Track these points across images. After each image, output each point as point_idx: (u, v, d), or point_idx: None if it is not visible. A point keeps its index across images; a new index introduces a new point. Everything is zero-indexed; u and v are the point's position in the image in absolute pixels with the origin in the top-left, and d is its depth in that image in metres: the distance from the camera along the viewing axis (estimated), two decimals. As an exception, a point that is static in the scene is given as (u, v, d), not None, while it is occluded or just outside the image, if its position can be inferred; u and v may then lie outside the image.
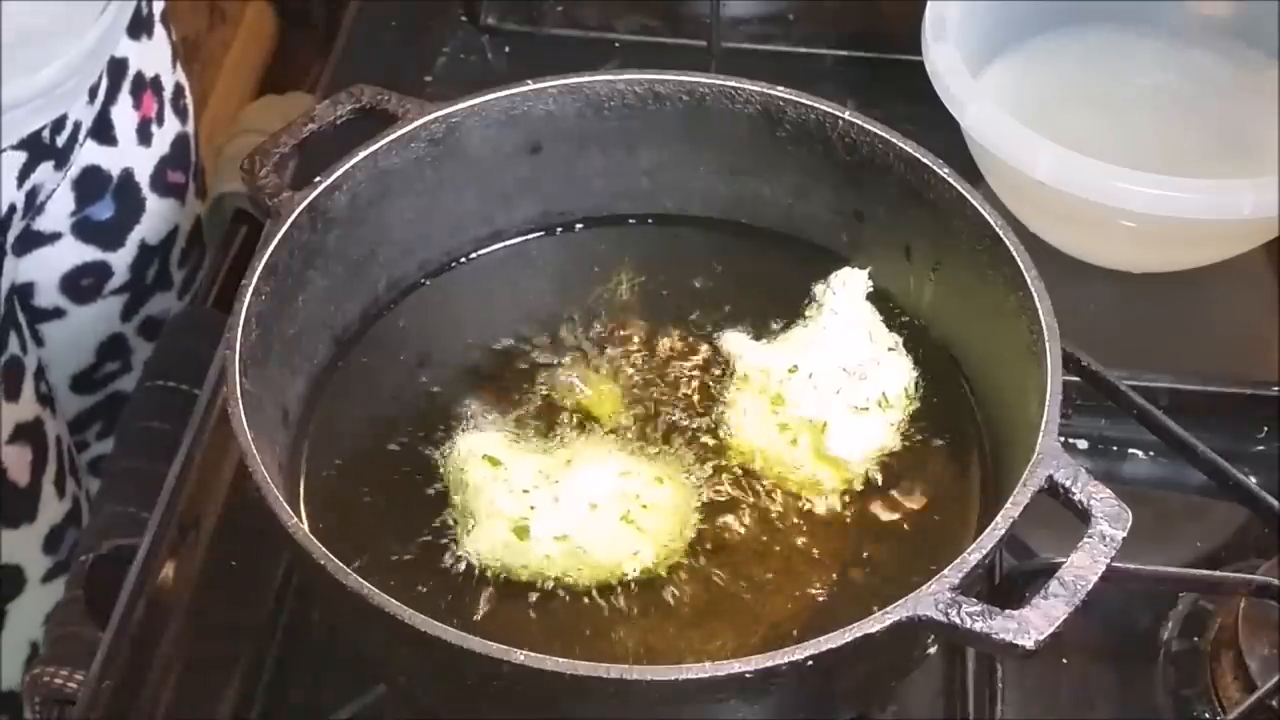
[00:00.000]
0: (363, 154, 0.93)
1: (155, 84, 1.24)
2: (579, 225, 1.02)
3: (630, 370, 0.95)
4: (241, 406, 0.81)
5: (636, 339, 0.97)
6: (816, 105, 0.95)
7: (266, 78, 2.21)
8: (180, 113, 1.29)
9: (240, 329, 0.84)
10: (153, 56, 1.23)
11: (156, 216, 1.27)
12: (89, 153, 1.18)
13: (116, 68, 1.18)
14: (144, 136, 1.23)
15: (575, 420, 0.92)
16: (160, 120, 1.25)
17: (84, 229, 1.22)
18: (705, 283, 1.00)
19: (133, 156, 1.23)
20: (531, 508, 0.85)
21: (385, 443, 0.92)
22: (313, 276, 0.92)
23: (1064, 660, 0.96)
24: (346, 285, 0.95)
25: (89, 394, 1.31)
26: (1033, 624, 0.73)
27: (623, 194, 1.02)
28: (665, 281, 1.00)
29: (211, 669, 0.96)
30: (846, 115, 0.95)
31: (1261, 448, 1.06)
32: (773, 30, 1.33)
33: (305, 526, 0.80)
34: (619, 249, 1.01)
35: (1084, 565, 0.75)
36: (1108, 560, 0.76)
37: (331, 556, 0.76)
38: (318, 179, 0.92)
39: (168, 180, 1.27)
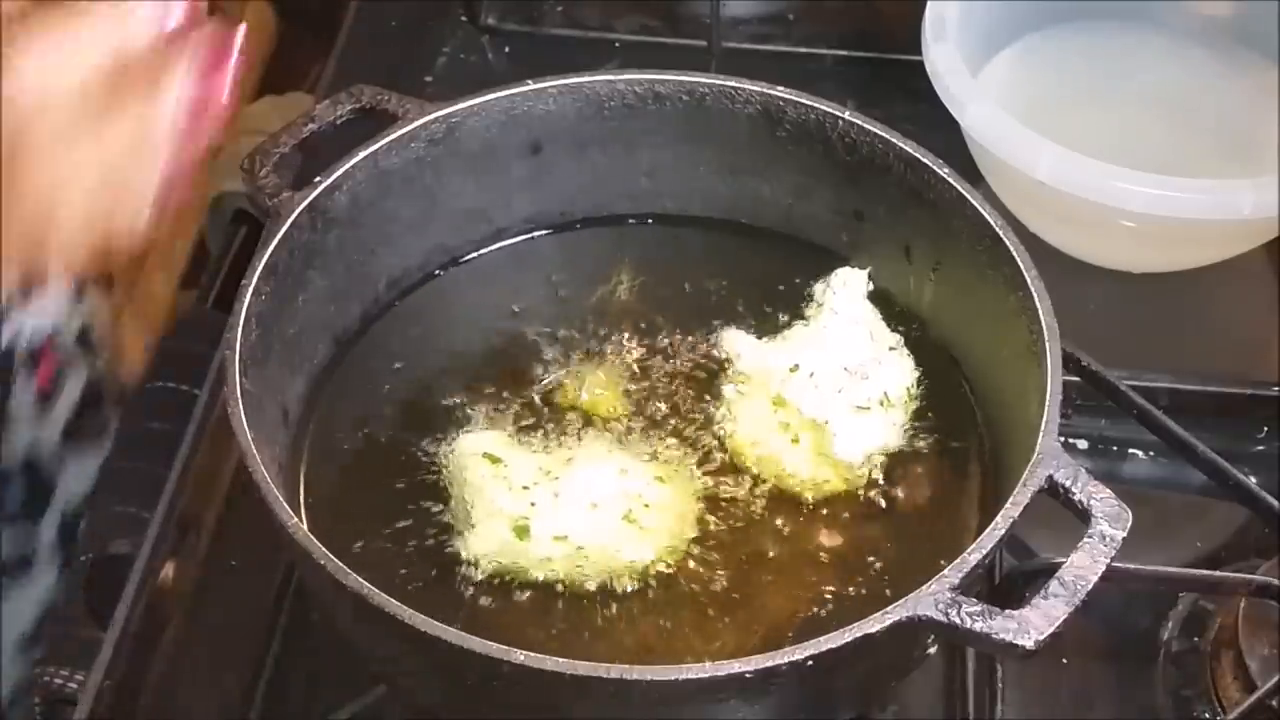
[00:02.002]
0: (363, 154, 0.93)
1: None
2: (579, 225, 1.02)
3: (630, 370, 0.95)
4: (241, 406, 0.81)
5: (636, 338, 0.97)
6: (816, 105, 0.96)
7: (266, 78, 2.21)
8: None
9: (240, 329, 0.84)
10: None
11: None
12: None
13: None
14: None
15: (575, 420, 0.92)
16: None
17: None
18: (705, 283, 1.00)
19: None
20: (532, 504, 0.85)
21: (385, 443, 0.92)
22: (313, 276, 0.92)
23: (1064, 660, 0.96)
24: (346, 285, 0.95)
25: None
26: (1033, 624, 0.73)
27: (623, 194, 1.02)
28: (665, 281, 1.00)
29: (211, 669, 0.96)
30: (846, 115, 0.95)
31: (1261, 448, 1.06)
32: (773, 30, 1.33)
33: (305, 526, 0.80)
34: (619, 249, 1.01)
35: (1084, 565, 0.75)
36: (1108, 560, 0.75)
37: (331, 556, 0.76)
38: (318, 179, 0.92)
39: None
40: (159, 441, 1.11)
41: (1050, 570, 0.76)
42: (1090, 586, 0.74)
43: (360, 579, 0.75)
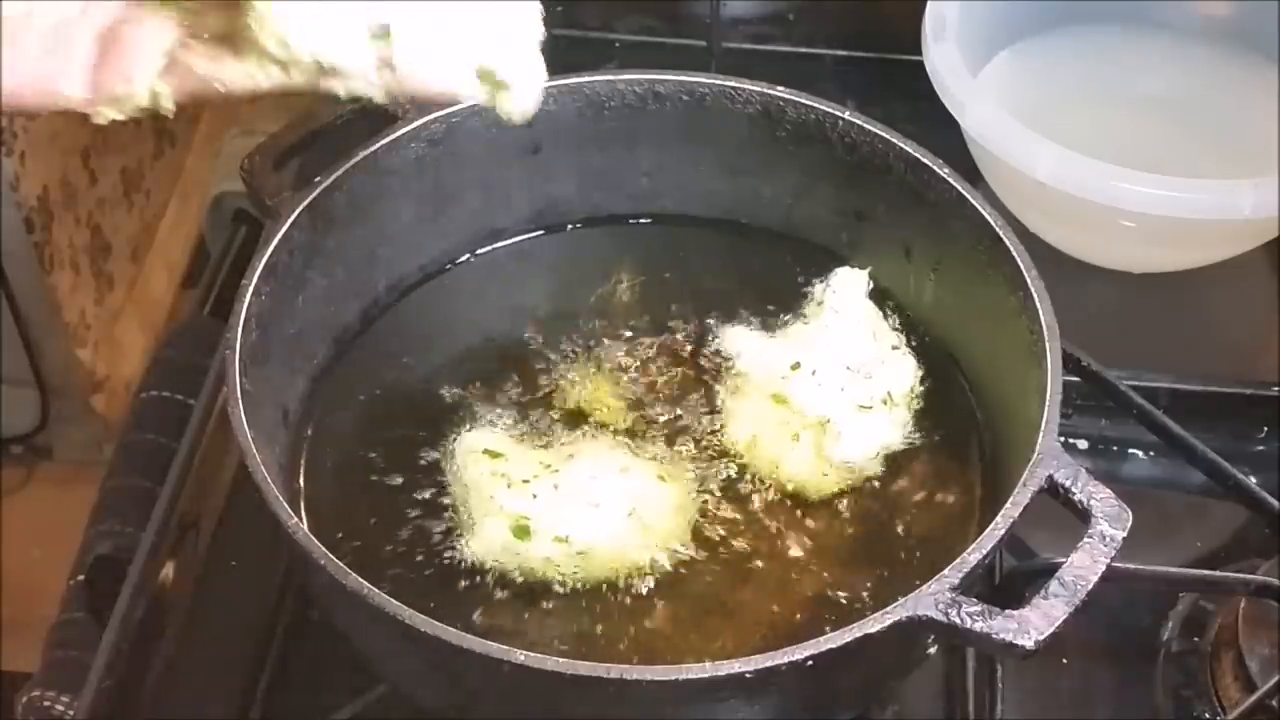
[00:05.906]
0: (363, 154, 0.93)
1: None
2: (579, 225, 1.02)
3: (630, 369, 0.95)
4: (241, 406, 0.81)
5: (636, 338, 0.97)
6: (816, 105, 0.96)
7: (266, 78, 2.20)
8: None
9: (240, 329, 0.84)
10: None
11: None
12: None
13: None
14: None
15: (575, 419, 0.92)
16: None
17: None
18: (705, 283, 1.00)
19: None
20: (534, 496, 0.85)
21: (385, 442, 0.92)
22: (313, 276, 0.92)
23: (1064, 660, 0.96)
24: (346, 285, 0.95)
25: None
26: (1033, 624, 0.73)
27: (623, 194, 1.02)
28: (665, 281, 1.00)
29: (211, 669, 0.96)
30: (846, 115, 0.95)
31: (1261, 448, 1.06)
32: (773, 30, 1.33)
33: (305, 526, 0.80)
34: (619, 249, 1.01)
35: (1084, 565, 0.75)
36: (1108, 560, 0.75)
37: (331, 557, 0.76)
38: (318, 179, 0.92)
39: None
40: (155, 454, 1.10)
41: (1050, 570, 0.76)
42: (1090, 586, 0.74)
43: (360, 579, 0.75)
